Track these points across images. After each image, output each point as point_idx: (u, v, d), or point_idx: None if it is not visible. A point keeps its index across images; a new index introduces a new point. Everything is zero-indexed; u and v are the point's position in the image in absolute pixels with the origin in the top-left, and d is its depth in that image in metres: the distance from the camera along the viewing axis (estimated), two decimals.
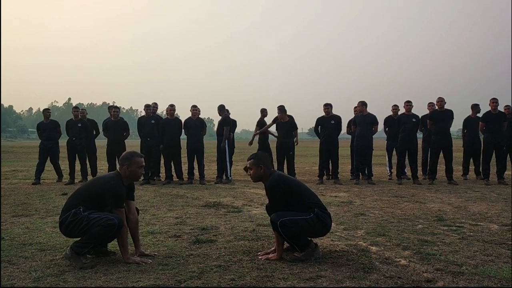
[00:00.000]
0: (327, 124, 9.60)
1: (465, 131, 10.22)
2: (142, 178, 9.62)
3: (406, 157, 9.45)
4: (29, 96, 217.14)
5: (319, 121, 9.76)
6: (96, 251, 3.70)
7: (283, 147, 9.69)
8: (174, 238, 4.30)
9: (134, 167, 3.65)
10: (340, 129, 9.80)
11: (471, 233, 4.47)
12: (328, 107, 9.65)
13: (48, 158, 9.99)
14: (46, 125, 10.00)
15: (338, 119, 9.71)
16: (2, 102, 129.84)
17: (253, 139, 10.62)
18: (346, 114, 10.28)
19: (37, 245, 4.04)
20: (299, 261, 3.48)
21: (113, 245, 3.82)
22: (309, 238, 3.65)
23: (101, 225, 3.38)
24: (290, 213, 3.60)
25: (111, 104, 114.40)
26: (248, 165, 3.83)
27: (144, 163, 3.76)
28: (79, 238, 3.50)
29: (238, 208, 6.06)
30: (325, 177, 9.87)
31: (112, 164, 9.65)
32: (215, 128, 10.62)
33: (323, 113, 9.69)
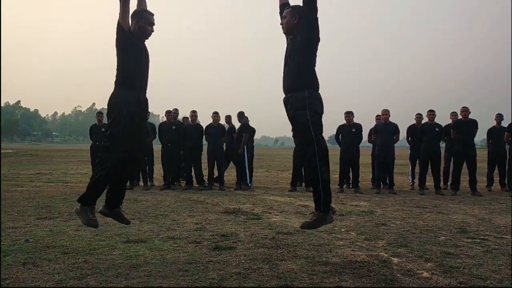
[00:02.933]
0: (348, 132, 9.55)
1: (490, 141, 10.04)
2: (163, 183, 9.76)
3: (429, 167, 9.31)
4: (54, 100, 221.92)
5: (340, 129, 9.73)
6: (111, 212, 3.81)
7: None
8: (194, 244, 4.32)
9: (144, 22, 3.71)
10: (361, 138, 9.73)
11: (496, 246, 4.37)
12: (349, 115, 9.60)
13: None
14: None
15: (359, 127, 9.64)
16: (28, 106, 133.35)
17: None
18: (366, 121, 10.22)
19: (60, 247, 4.10)
20: (311, 227, 3.49)
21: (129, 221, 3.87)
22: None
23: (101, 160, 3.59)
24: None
25: None
26: (284, 14, 3.76)
27: (154, 21, 3.79)
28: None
29: (258, 215, 6.06)
30: (345, 185, 9.79)
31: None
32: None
33: (343, 121, 9.66)
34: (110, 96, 3.72)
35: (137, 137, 3.79)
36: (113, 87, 3.72)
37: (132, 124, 3.64)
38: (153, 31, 3.82)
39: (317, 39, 3.71)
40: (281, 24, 3.80)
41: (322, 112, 3.70)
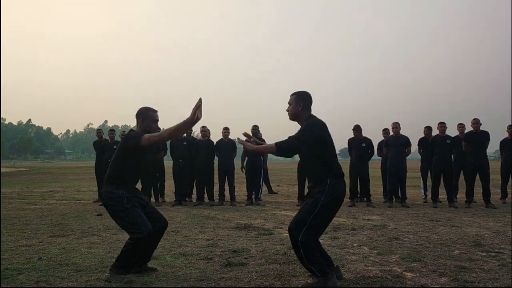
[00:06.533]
0: (358, 146, 9.54)
1: (502, 153, 9.92)
2: (174, 199, 9.78)
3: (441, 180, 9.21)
4: (66, 118, 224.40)
5: (350, 142, 9.72)
6: (138, 269, 3.78)
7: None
8: (206, 261, 4.32)
9: (148, 121, 3.77)
10: (373, 152, 9.69)
11: None
12: (357, 130, 9.60)
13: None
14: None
15: (369, 142, 9.63)
16: (41, 125, 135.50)
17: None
18: (375, 135, 10.19)
19: (73, 265, 4.13)
20: None
21: (152, 263, 3.87)
22: (327, 266, 3.50)
23: (131, 237, 3.55)
24: (301, 221, 3.40)
25: None
26: (288, 100, 3.67)
27: (158, 118, 3.87)
28: (115, 261, 3.66)
29: (269, 231, 6.04)
30: (355, 199, 9.70)
31: (144, 184, 9.75)
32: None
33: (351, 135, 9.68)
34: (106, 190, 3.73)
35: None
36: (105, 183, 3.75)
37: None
38: (158, 128, 3.94)
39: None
40: (287, 110, 3.73)
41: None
